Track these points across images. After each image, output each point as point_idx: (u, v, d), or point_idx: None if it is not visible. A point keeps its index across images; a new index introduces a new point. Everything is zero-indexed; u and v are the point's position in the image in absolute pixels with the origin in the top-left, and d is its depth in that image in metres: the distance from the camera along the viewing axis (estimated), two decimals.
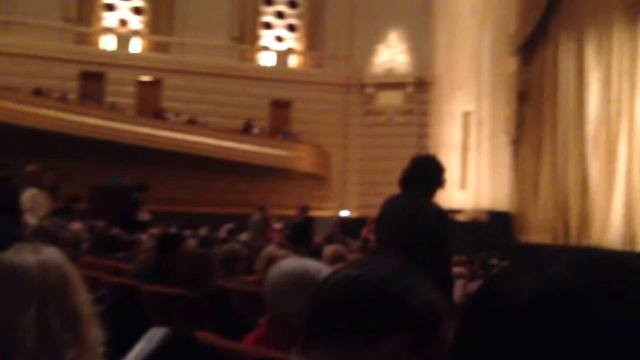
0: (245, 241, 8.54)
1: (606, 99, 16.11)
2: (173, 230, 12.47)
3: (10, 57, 17.29)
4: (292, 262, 2.03)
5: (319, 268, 1.96)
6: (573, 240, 16.21)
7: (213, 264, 4.23)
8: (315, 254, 7.25)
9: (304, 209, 11.41)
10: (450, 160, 18.45)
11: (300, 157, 19.00)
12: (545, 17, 17.47)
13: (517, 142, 18.23)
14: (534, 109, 17.99)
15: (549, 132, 17.48)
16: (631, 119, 15.49)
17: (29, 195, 6.63)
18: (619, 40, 15.95)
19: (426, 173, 3.72)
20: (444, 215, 3.71)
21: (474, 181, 18.21)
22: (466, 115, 18.44)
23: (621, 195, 15.40)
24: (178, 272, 4.14)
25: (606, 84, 16.14)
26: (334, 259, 4.78)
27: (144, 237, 6.98)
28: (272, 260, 4.43)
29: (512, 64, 18.07)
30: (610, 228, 15.36)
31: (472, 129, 18.37)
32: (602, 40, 16.32)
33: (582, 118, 16.58)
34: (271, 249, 6.70)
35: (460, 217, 17.84)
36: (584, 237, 16.00)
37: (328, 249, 5.05)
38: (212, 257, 4.25)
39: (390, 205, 3.83)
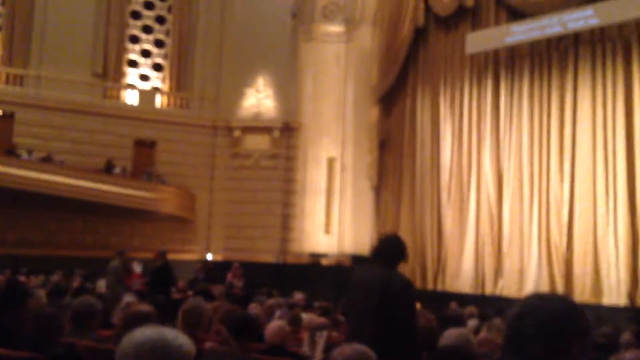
0: (100, 292, 8.07)
1: (458, 151, 17.33)
2: (21, 276, 11.58)
3: None
4: (148, 332, 1.89)
5: (176, 336, 1.86)
6: (429, 285, 17.04)
7: (60, 323, 3.94)
8: (175, 304, 6.99)
9: (162, 254, 10.96)
10: (315, 205, 18.88)
11: (164, 199, 18.47)
12: (403, 71, 18.63)
13: (378, 188, 19.05)
14: (395, 157, 18.95)
15: (408, 179, 18.44)
16: (479, 170, 16.73)
17: None
18: (469, 96, 17.32)
19: (393, 249, 4.43)
20: (411, 286, 4.28)
21: (337, 226, 18.69)
22: (330, 161, 19.00)
23: (471, 241, 16.48)
24: (22, 333, 3.82)
25: (458, 136, 17.40)
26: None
27: None
28: (129, 318, 4.23)
29: (373, 113, 19.03)
30: (462, 273, 16.34)
31: (336, 175, 18.94)
32: (454, 95, 17.65)
33: (437, 167, 17.68)
34: (129, 301, 6.41)
35: (324, 261, 18.18)
36: (439, 281, 16.87)
37: (272, 329, 4.93)
38: (59, 317, 3.96)
39: (362, 275, 4.45)
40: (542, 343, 1.68)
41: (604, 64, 14.72)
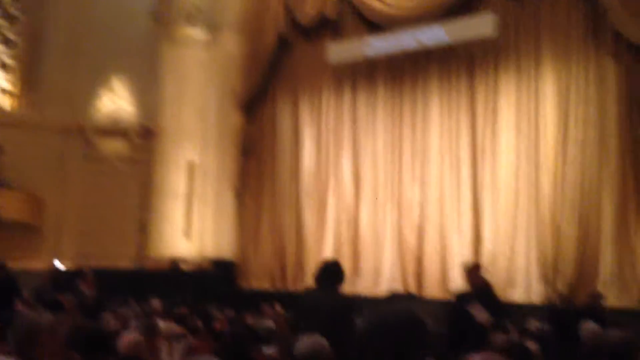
0: None
1: (317, 156, 17.84)
2: None
3: None
4: None
5: None
6: (290, 285, 17.36)
7: None
8: (17, 317, 6.54)
9: (1, 266, 10.09)
10: (174, 209, 18.48)
11: (4, 204, 17.18)
12: (267, 78, 18.82)
13: (240, 193, 19.06)
14: (257, 162, 19.09)
15: (269, 184, 18.66)
16: (338, 174, 17.35)
17: None
18: (327, 103, 17.89)
19: (334, 273, 5.20)
20: (352, 305, 5.10)
21: (198, 230, 18.43)
22: (191, 165, 18.69)
23: (330, 243, 17.06)
24: None
25: (317, 142, 17.91)
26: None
27: None
28: None
29: (236, 119, 19.03)
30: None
31: (198, 179, 18.67)
32: (313, 102, 18.13)
33: (297, 172, 18.07)
34: None
35: (184, 266, 17.84)
36: (299, 281, 17.23)
37: (125, 341, 4.65)
38: None
39: (310, 297, 5.41)
40: (390, 358, 1.76)
41: (450, 78, 15.85)
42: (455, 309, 7.30)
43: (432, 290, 15.04)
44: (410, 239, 15.82)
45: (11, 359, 3.77)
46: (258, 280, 18.06)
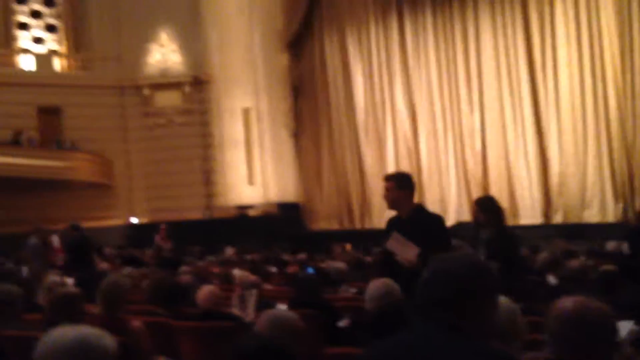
0: (19, 277, 7.76)
1: (370, 90, 17.54)
2: None
3: None
4: (70, 334, 1.82)
5: (99, 337, 1.80)
6: (357, 224, 17.46)
7: None
8: (99, 276, 6.84)
9: (74, 227, 10.52)
10: (235, 157, 18.73)
11: (77, 167, 17.79)
12: (308, 14, 18.44)
13: (297, 135, 19.08)
14: (309, 102, 18.96)
15: (324, 123, 18.57)
16: (393, 108, 17.06)
17: None
18: (375, 34, 17.43)
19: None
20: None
21: (260, 176, 18.65)
22: (246, 111, 18.76)
23: None
24: None
25: (368, 76, 17.58)
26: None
27: None
28: (55, 302, 4.12)
29: (284, 60, 18.83)
30: (386, 210, 16.79)
31: (253, 125, 18.77)
32: (361, 35, 17.71)
33: (352, 108, 17.88)
34: (53, 280, 6.22)
35: (251, 212, 18.21)
36: (366, 220, 17.31)
37: (203, 294, 4.84)
38: None
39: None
40: (450, 308, 1.67)
41: None
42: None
43: None
44: (474, 166, 15.56)
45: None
46: (326, 221, 18.21)
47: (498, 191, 15.02)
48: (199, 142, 19.25)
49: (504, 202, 14.79)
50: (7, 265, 10.33)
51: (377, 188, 17.15)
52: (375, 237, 13.73)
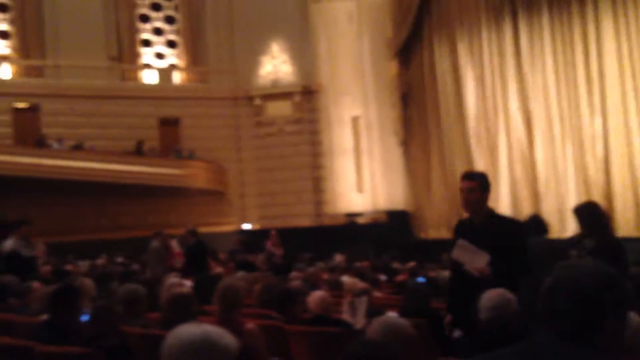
0: (143, 278, 8.22)
1: (482, 96, 17.04)
2: (68, 263, 11.90)
3: None
4: (194, 331, 1.90)
5: (221, 335, 1.87)
6: None
7: (114, 313, 4.07)
8: (213, 279, 7.11)
9: (192, 232, 11.00)
10: (344, 165, 18.89)
11: (194, 174, 18.66)
12: (418, 21, 18.24)
13: (406, 143, 18.93)
14: (419, 110, 18.74)
15: (434, 130, 18.27)
16: (506, 114, 16.45)
17: None
18: (488, 39, 16.91)
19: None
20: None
21: (369, 183, 18.69)
22: (355, 119, 18.90)
23: (506, 186, 16.32)
24: (75, 329, 3.95)
25: (480, 81, 17.08)
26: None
27: (35, 284, 6.56)
28: (171, 301, 4.34)
29: (392, 67, 18.77)
30: None
31: (362, 133, 18.86)
32: (472, 40, 17.26)
33: (462, 115, 17.44)
34: (173, 282, 6.55)
35: (360, 220, 18.27)
36: None
37: (314, 299, 5.00)
38: (112, 307, 4.09)
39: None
40: (572, 318, 1.57)
41: None
42: None
43: (627, 228, 13.74)
44: (596, 174, 14.60)
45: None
46: (435, 230, 17.87)
47: (623, 202, 14.06)
48: (309, 151, 19.61)
49: (628, 212, 13.85)
50: (132, 267, 11.01)
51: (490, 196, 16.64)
52: None
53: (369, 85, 18.93)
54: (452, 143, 17.75)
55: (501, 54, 16.63)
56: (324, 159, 19.47)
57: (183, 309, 4.24)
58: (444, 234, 17.46)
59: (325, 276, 8.80)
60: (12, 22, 18.71)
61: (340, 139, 19.06)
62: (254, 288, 6.59)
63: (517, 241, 3.83)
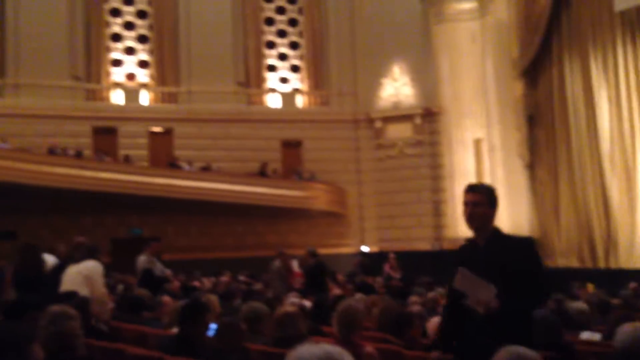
0: (265, 296, 8.44)
1: (618, 117, 16.01)
2: (195, 280, 12.48)
3: (22, 119, 17.54)
4: (315, 352, 1.90)
5: (342, 353, 1.86)
6: (601, 263, 15.90)
7: (240, 329, 4.20)
8: (333, 300, 7.15)
9: (312, 253, 11.14)
10: None
11: (315, 196, 19.00)
12: (547, 39, 17.52)
13: (532, 166, 18.12)
14: (546, 131, 17.92)
15: (563, 153, 17.37)
16: None
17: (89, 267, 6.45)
18: (624, 56, 15.91)
19: None
20: None
21: None
22: (477, 142, 18.43)
23: None
24: (202, 343, 4.12)
25: (616, 101, 16.07)
26: None
27: (166, 298, 6.93)
28: (280, 320, 4.43)
29: (518, 88, 18.10)
30: (637, 247, 15.09)
31: (485, 156, 18.33)
32: (606, 58, 16.31)
33: (595, 137, 16.46)
34: (294, 301, 6.67)
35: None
36: (612, 257, 15.70)
37: (433, 324, 4.99)
38: (237, 326, 4.22)
39: None
40: None
41: None
42: None
43: None
44: None
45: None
46: (564, 258, 16.87)
47: None
48: (429, 174, 19.35)
49: None
50: (255, 285, 11.34)
51: (624, 223, 15.52)
52: (623, 277, 12.39)
53: (492, 106, 18.42)
54: (583, 166, 16.76)
55: (638, 72, 15.59)
56: (444, 182, 19.13)
57: (291, 327, 4.32)
58: (574, 262, 16.48)
59: (445, 302, 8.57)
60: (150, 52, 20.18)
61: (462, 162, 18.65)
62: (372, 311, 6.56)
63: (529, 264, 3.23)
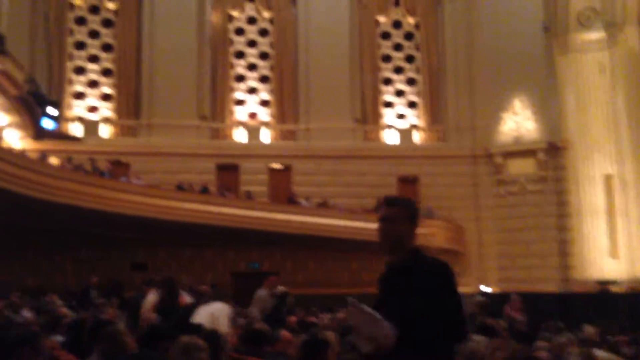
0: None
1: None
2: (312, 315, 12.54)
3: (154, 157, 18.74)
4: None
5: None
6: None
7: None
8: None
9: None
10: (596, 227, 17.32)
11: (433, 233, 18.61)
12: None
13: None
14: None
15: None
16: None
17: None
18: None
19: None
20: None
21: (626, 248, 16.84)
22: (607, 178, 17.34)
23: None
24: None
25: None
26: None
27: (284, 333, 6.99)
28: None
29: None
30: None
31: (617, 193, 17.19)
32: None
33: None
34: None
35: (614, 288, 16.49)
36: None
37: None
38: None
39: None
40: None
41: None
42: None
43: None
44: None
45: None
46: None
47: None
48: (554, 211, 18.42)
49: None
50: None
51: None
52: None
53: (624, 140, 17.31)
54: None
55: None
56: (571, 221, 18.10)
57: None
58: None
59: (575, 348, 8.03)
60: (271, 91, 20.96)
61: (591, 199, 17.59)
62: (495, 355, 6.25)
63: (445, 291, 2.61)
